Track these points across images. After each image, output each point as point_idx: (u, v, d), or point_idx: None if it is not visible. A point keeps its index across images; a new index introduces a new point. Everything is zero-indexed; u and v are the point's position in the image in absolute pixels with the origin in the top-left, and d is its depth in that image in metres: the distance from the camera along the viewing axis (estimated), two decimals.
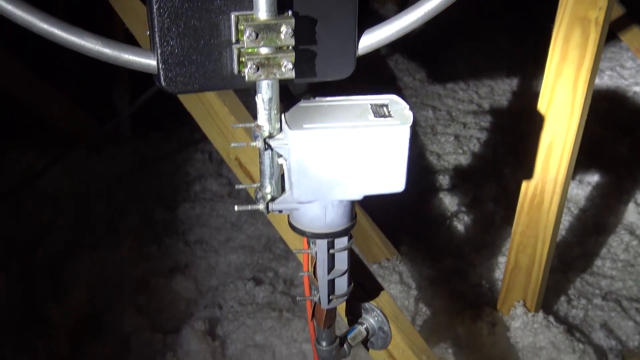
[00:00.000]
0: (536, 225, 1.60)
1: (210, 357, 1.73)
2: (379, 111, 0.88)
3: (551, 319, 1.75)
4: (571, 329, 1.78)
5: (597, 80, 1.62)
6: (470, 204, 2.30)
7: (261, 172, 0.91)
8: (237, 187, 0.97)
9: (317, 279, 1.00)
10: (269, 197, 0.91)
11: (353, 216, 0.95)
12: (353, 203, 0.93)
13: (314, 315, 1.07)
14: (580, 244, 2.15)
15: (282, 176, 0.91)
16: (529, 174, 1.56)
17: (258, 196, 0.92)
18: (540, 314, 1.75)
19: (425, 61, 3.34)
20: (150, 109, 2.76)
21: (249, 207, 0.92)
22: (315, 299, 1.02)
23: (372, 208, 2.03)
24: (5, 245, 2.11)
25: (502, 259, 2.04)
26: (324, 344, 1.08)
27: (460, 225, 2.21)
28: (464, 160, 2.57)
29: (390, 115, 0.87)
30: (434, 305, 1.88)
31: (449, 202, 2.31)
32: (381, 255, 2.01)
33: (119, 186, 2.43)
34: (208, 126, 1.27)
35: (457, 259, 2.07)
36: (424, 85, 3.18)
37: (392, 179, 0.88)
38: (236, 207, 0.93)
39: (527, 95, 2.93)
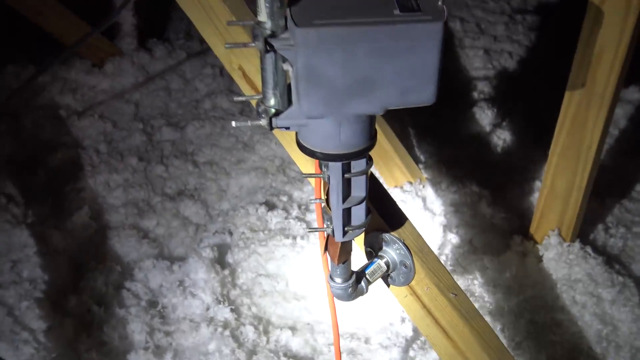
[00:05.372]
0: (578, 145, 1.43)
1: (219, 286, 1.62)
2: (406, 4, 0.72)
3: (588, 249, 1.60)
4: (610, 260, 1.64)
5: None
6: (499, 124, 2.13)
7: (263, 80, 0.75)
8: (235, 99, 0.81)
9: (330, 208, 0.85)
10: (272, 110, 0.76)
11: (372, 134, 0.79)
12: (372, 118, 0.78)
13: (327, 248, 0.93)
14: (618, 167, 1.98)
15: (289, 86, 0.76)
16: (572, 88, 1.38)
17: (260, 110, 0.77)
18: (577, 244, 1.61)
19: None
20: (156, 21, 2.61)
21: (249, 123, 0.77)
22: (329, 230, 0.88)
23: (392, 128, 1.88)
24: (4, 165, 1.99)
25: (533, 184, 1.88)
26: (338, 280, 0.95)
27: (488, 146, 2.04)
28: (493, 76, 2.38)
29: (419, 9, 0.71)
30: (459, 233, 1.75)
31: (477, 121, 2.14)
32: (403, 179, 1.87)
33: (123, 103, 2.29)
34: (208, 31, 1.10)
35: (484, 183, 1.91)
36: None
37: (420, 88, 0.72)
38: (234, 123, 0.78)
39: (567, 7, 2.70)
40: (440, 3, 0.72)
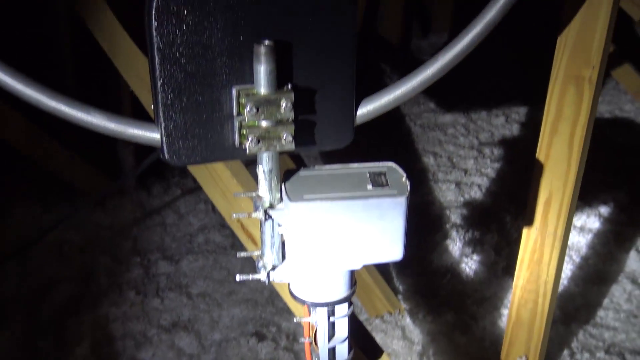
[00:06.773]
0: (537, 280, 1.60)
1: None
2: (377, 180, 0.90)
3: None
4: None
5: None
6: (471, 254, 2.30)
7: (262, 241, 0.92)
8: (239, 255, 0.98)
9: (317, 347, 1.00)
10: (269, 266, 0.93)
11: (352, 284, 0.96)
12: (352, 272, 0.95)
13: None
14: (582, 294, 2.15)
15: (283, 244, 0.93)
16: (528, 229, 1.57)
17: (259, 265, 0.94)
18: None
19: (426, 109, 3.39)
20: (153, 161, 2.81)
21: (250, 277, 0.93)
22: None
23: None
24: (10, 301, 2.11)
25: (504, 312, 2.04)
26: None
27: (461, 276, 2.21)
28: (464, 208, 2.59)
29: (387, 185, 0.90)
30: None
31: (450, 252, 2.32)
32: (384, 309, 2.01)
33: (122, 238, 2.45)
34: (211, 189, 1.29)
35: (458, 312, 2.06)
36: (425, 131, 3.22)
37: (391, 248, 0.90)
38: (238, 277, 0.94)
39: (527, 141, 2.96)
40: (404, 179, 0.91)
